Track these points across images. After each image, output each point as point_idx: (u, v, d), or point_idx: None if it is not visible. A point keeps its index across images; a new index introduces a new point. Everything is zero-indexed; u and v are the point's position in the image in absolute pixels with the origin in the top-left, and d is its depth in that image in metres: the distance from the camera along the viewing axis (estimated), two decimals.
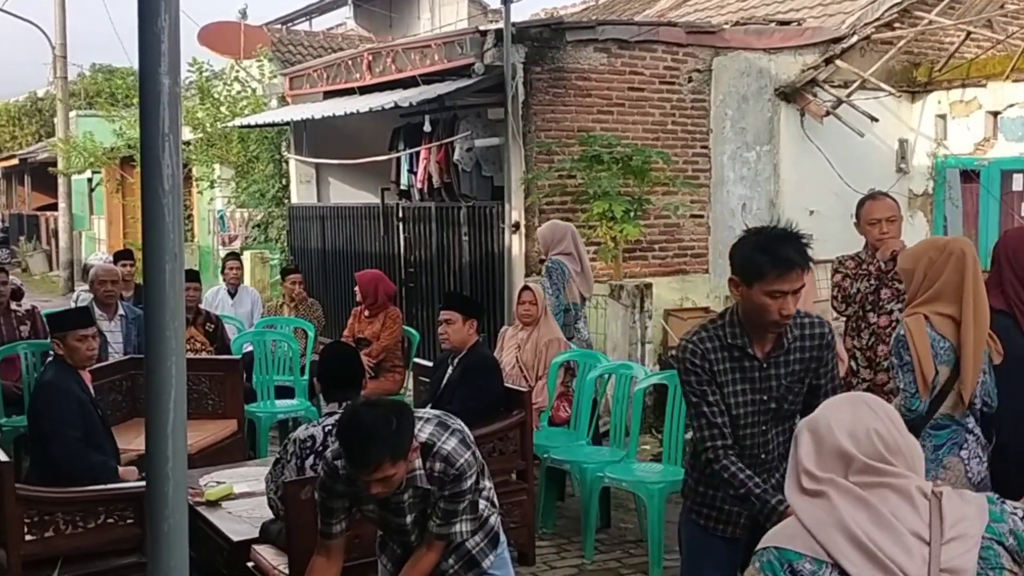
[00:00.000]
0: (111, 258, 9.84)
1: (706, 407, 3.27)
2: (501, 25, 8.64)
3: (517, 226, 8.71)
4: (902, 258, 4.14)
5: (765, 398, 3.28)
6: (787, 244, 3.13)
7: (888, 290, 5.01)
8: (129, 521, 4.45)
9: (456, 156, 9.90)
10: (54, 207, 24.01)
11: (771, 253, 3.11)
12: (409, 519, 3.43)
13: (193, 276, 7.93)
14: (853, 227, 5.33)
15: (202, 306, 8.15)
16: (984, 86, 9.69)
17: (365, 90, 10.91)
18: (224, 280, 9.11)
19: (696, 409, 3.31)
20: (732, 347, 3.25)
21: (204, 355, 7.46)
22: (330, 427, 4.22)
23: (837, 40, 9.70)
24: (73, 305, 8.23)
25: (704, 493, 3.45)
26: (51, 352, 7.11)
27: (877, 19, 9.83)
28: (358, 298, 7.75)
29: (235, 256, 9.53)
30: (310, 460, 4.14)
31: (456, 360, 5.56)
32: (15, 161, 30.87)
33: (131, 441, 5.45)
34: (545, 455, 5.86)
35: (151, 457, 1.93)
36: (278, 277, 13.67)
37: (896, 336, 3.88)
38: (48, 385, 4.99)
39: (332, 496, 3.39)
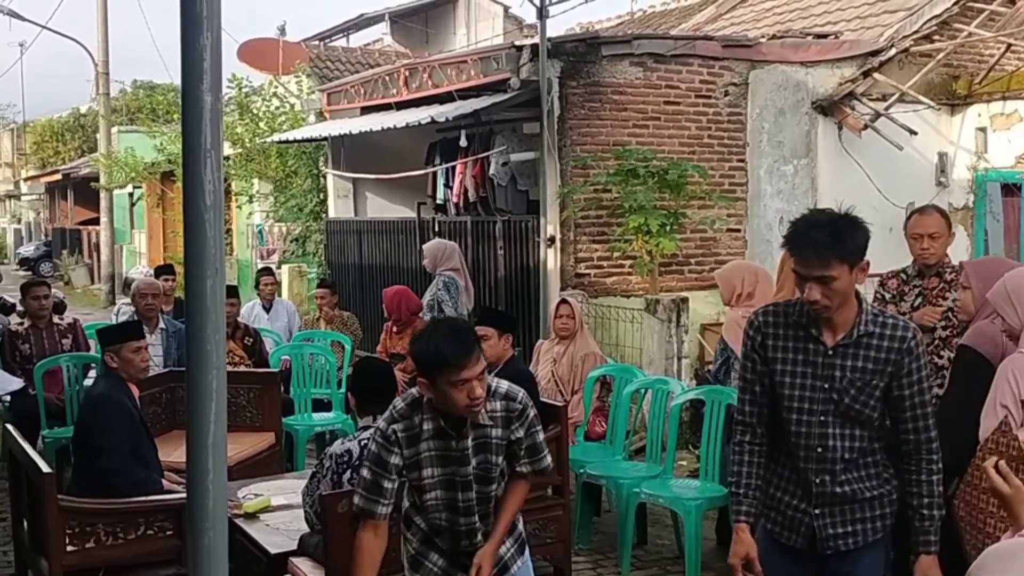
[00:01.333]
0: (152, 272, 9.96)
1: (745, 382, 3.28)
2: (537, 40, 8.67)
3: (552, 240, 8.71)
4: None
5: (827, 387, 3.14)
6: (810, 231, 3.08)
7: (932, 307, 4.89)
8: (169, 533, 4.49)
9: (492, 170, 9.93)
10: (96, 221, 24.37)
11: (788, 239, 3.14)
12: (471, 468, 3.34)
13: (232, 292, 8.00)
14: (891, 242, 5.29)
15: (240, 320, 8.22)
16: None
17: (402, 105, 10.98)
18: (259, 296, 9.19)
19: (740, 382, 3.34)
20: (798, 326, 3.18)
21: (243, 368, 7.53)
22: (366, 441, 4.24)
23: (875, 53, 9.64)
24: (115, 319, 8.35)
25: (771, 495, 3.35)
26: (93, 365, 7.27)
27: (916, 32, 9.76)
28: (385, 314, 7.77)
29: (269, 271, 9.59)
30: (347, 475, 4.16)
31: (492, 374, 5.56)
32: (58, 176, 31.38)
33: (170, 453, 5.50)
34: (581, 470, 5.84)
35: (192, 469, 1.95)
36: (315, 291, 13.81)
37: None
38: (99, 397, 5.04)
39: (385, 471, 3.28)
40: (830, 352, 3.14)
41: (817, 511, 3.22)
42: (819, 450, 3.19)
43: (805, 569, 3.31)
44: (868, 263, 3.11)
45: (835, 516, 3.21)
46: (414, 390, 3.35)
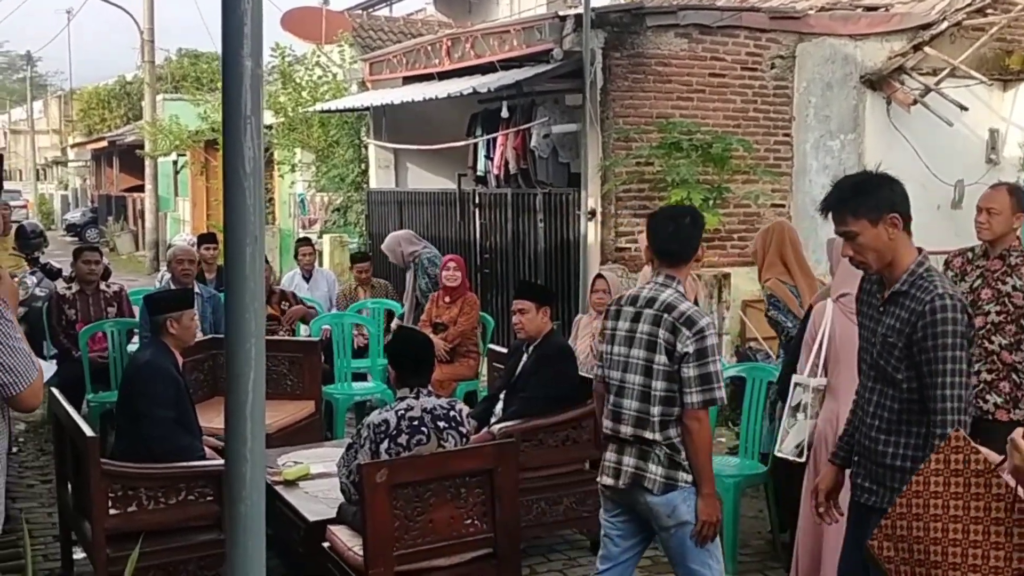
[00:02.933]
0: (195, 240, 10.05)
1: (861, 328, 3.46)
2: (580, 10, 8.57)
3: (593, 213, 8.66)
4: None
5: (873, 340, 3.28)
6: (835, 190, 3.28)
7: (990, 290, 4.58)
8: (209, 498, 4.54)
9: (533, 142, 9.88)
10: (141, 188, 24.64)
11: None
12: None
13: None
14: (938, 219, 5.16)
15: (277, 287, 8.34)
16: None
17: (444, 76, 10.94)
18: (299, 265, 9.25)
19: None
20: (880, 280, 3.31)
21: (282, 335, 7.59)
22: (403, 411, 4.26)
23: (926, 26, 9.43)
24: (158, 285, 8.44)
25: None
26: (136, 330, 7.36)
27: (968, 4, 9.53)
28: (440, 281, 7.77)
29: (307, 241, 9.64)
30: (385, 444, 4.18)
31: (531, 348, 5.56)
32: (104, 143, 31.74)
33: (211, 420, 5.55)
34: None
35: (230, 438, 1.96)
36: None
37: None
38: (147, 365, 5.08)
39: None
40: (880, 308, 3.26)
41: (856, 458, 3.38)
42: (860, 400, 3.37)
43: (856, 514, 3.39)
44: (896, 217, 3.15)
45: (861, 467, 3.33)
46: None
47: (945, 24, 9.38)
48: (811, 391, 4.27)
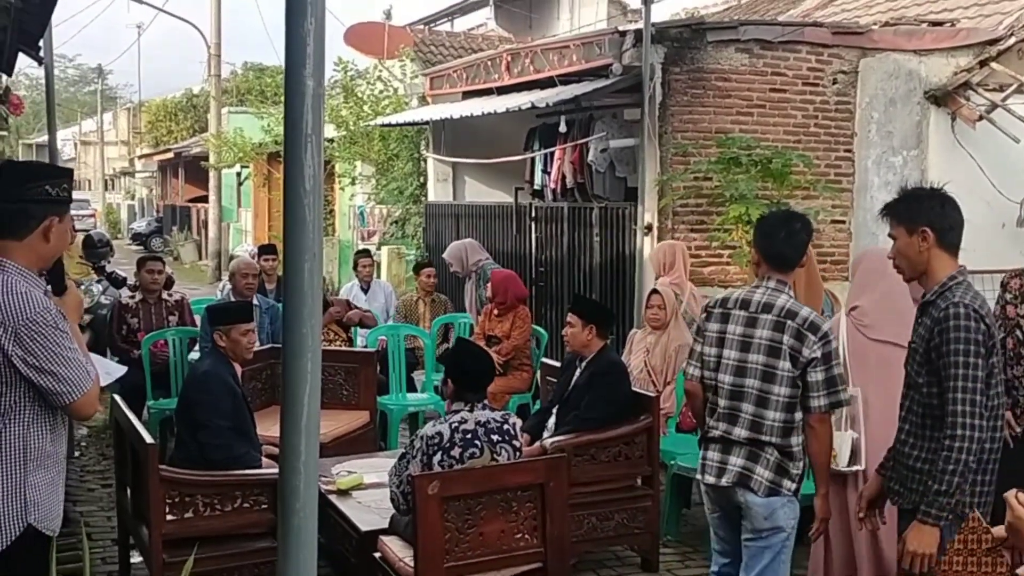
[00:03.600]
0: (256, 250, 10.22)
1: None
2: (640, 25, 8.56)
3: (649, 228, 8.62)
4: None
5: (910, 349, 3.48)
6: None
7: None
8: (264, 506, 4.60)
9: (590, 157, 9.87)
10: (205, 199, 25.08)
11: None
12: None
13: None
14: (1004, 237, 5.06)
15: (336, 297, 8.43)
16: None
17: (503, 90, 11.00)
18: (357, 276, 9.34)
19: None
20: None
21: (339, 344, 7.68)
22: (456, 424, 4.27)
23: (993, 42, 9.26)
24: (219, 295, 8.59)
25: None
26: (198, 340, 7.49)
27: None
28: (488, 295, 7.81)
29: (367, 253, 9.76)
30: (438, 456, 4.20)
31: (583, 363, 5.56)
32: (170, 155, 32.39)
33: (269, 428, 5.64)
34: (672, 461, 5.79)
35: (284, 452, 1.99)
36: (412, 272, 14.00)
37: None
38: (205, 375, 5.19)
39: None
40: (916, 319, 3.47)
41: (891, 462, 3.58)
42: (899, 407, 3.53)
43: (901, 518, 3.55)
44: (928, 231, 3.33)
45: (892, 470, 3.53)
46: None
47: (1012, 39, 9.20)
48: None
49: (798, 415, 3.71)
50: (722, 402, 3.84)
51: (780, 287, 3.81)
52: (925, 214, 3.34)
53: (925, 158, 9.24)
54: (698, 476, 3.99)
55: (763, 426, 3.72)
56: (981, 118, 8.88)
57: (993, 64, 9.11)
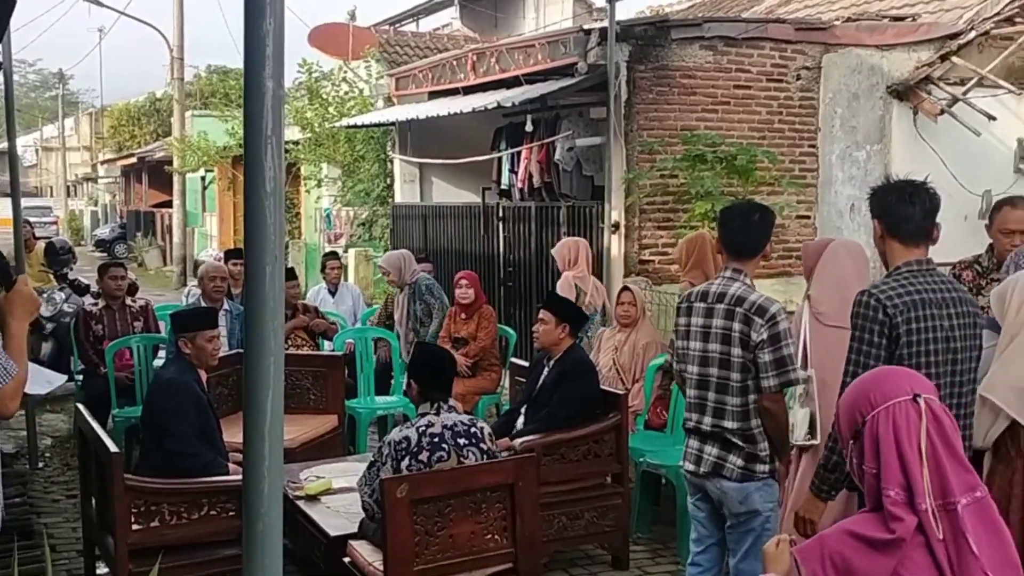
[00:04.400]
0: (222, 255, 10.13)
1: None
2: (605, 24, 8.58)
3: (617, 226, 8.64)
4: None
5: None
6: None
7: None
8: (231, 513, 4.55)
9: (557, 156, 9.88)
10: (169, 204, 24.84)
11: None
12: None
13: (291, 274, 8.11)
14: (966, 230, 5.11)
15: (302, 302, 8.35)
16: None
17: (469, 90, 10.98)
18: (325, 279, 9.28)
19: None
20: None
21: (306, 350, 7.62)
22: (423, 428, 4.25)
23: (954, 36, 9.36)
24: (185, 300, 8.50)
25: None
26: (162, 346, 7.41)
27: (996, 14, 9.45)
28: (459, 296, 7.74)
29: (334, 256, 9.69)
30: (406, 462, 4.18)
31: (552, 362, 5.55)
32: (134, 159, 32.05)
33: (235, 435, 5.55)
34: (641, 459, 5.80)
35: (248, 457, 1.96)
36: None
37: None
38: (169, 382, 5.13)
39: None
40: None
41: None
42: None
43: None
44: (876, 224, 3.51)
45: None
46: None
47: (973, 34, 9.30)
48: (802, 383, 4.41)
49: (752, 396, 3.82)
50: (691, 392, 3.99)
51: (735, 275, 3.93)
52: (877, 207, 3.50)
53: (888, 152, 9.33)
54: (681, 463, 4.13)
55: (725, 412, 3.86)
56: (943, 112, 8.97)
57: (954, 58, 9.21)
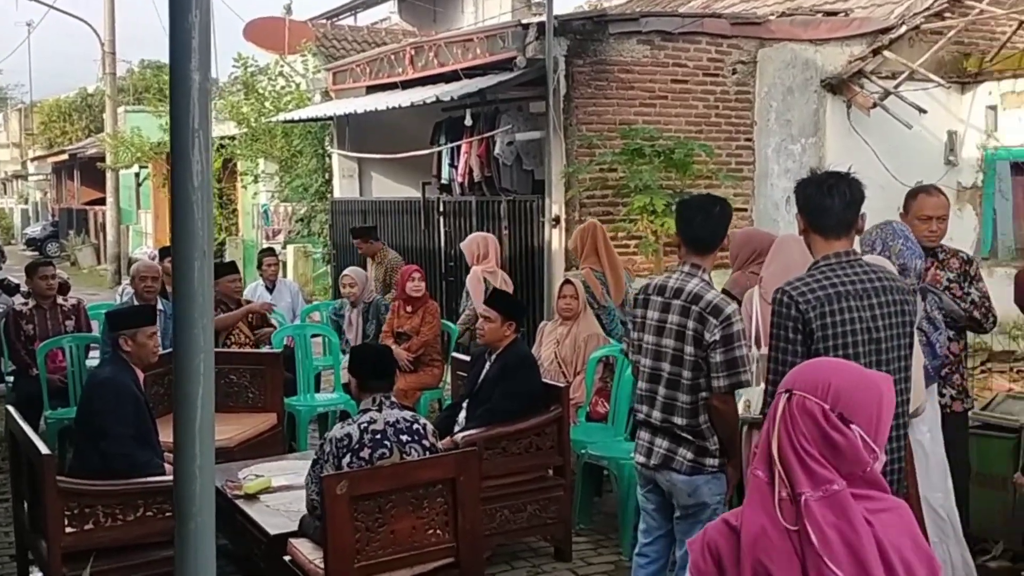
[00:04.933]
0: (156, 253, 9.96)
1: None
2: (543, 18, 8.58)
3: (557, 220, 8.66)
4: None
5: None
6: None
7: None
8: (167, 514, 4.48)
9: (497, 150, 9.87)
10: (102, 201, 24.39)
11: None
12: None
13: (232, 269, 7.99)
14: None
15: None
16: None
17: (407, 84, 10.91)
18: (262, 276, 9.17)
19: None
20: None
21: (248, 348, 7.51)
22: (365, 424, 4.22)
23: (885, 30, 9.54)
24: (119, 299, 8.34)
25: None
26: (95, 346, 7.27)
27: (927, 9, 9.65)
28: (399, 290, 7.69)
29: (271, 252, 9.56)
30: (347, 459, 4.15)
31: (494, 356, 5.54)
32: (65, 156, 31.41)
33: (171, 435, 5.48)
34: (583, 451, 5.82)
35: (179, 456, 1.93)
36: (323, 269, 13.81)
37: None
38: (106, 382, 5.02)
39: None
40: None
41: None
42: None
43: None
44: (798, 217, 3.55)
45: None
46: None
47: (904, 28, 9.49)
48: (755, 362, 4.51)
49: (703, 394, 3.85)
50: (643, 384, 4.02)
51: (694, 271, 3.94)
52: (800, 200, 3.53)
53: (823, 145, 9.48)
54: (632, 455, 4.16)
55: (675, 408, 3.89)
56: (875, 105, 9.13)
57: (886, 52, 9.39)
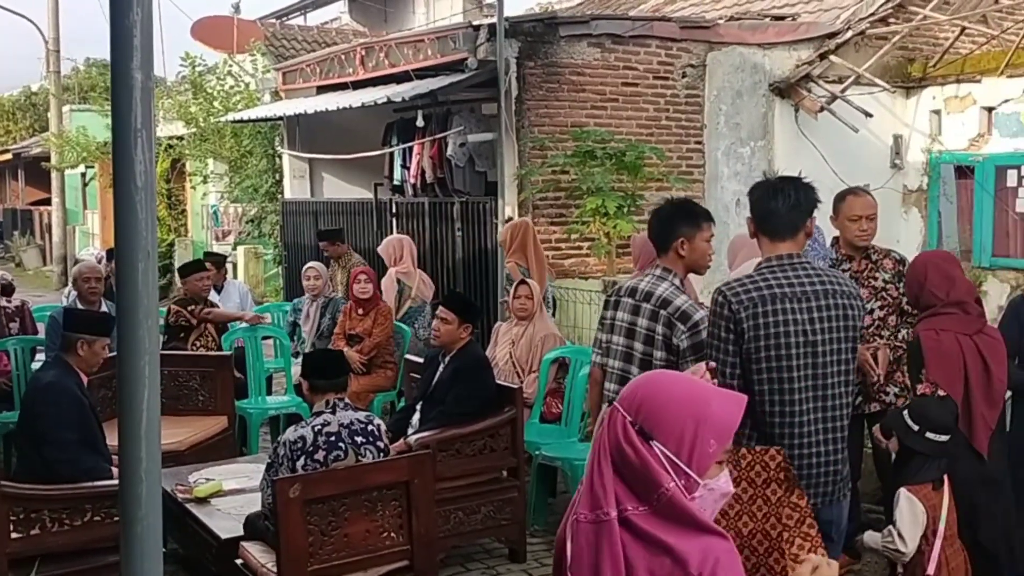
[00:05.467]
0: (103, 254, 9.79)
1: None
2: (494, 20, 8.59)
3: (510, 221, 8.67)
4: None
5: None
6: None
7: (866, 290, 4.76)
8: (116, 519, 4.41)
9: (449, 151, 9.85)
10: (48, 202, 23.94)
11: None
12: None
13: (201, 266, 7.86)
14: None
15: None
16: (979, 82, 9.68)
17: (358, 85, 10.86)
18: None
19: None
20: None
21: (212, 347, 7.42)
22: (319, 427, 4.20)
23: (832, 35, 9.68)
24: (65, 301, 8.20)
25: None
26: (40, 348, 7.13)
27: (872, 14, 9.81)
28: (356, 291, 7.65)
29: (213, 256, 9.38)
30: (301, 461, 4.12)
31: (448, 358, 5.54)
32: (8, 156, 30.76)
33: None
34: (536, 452, 5.84)
35: (124, 459, 1.90)
36: (274, 271, 13.68)
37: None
38: (49, 386, 4.91)
39: None
40: None
41: None
42: None
43: None
44: (749, 220, 3.60)
45: None
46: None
47: (850, 33, 9.64)
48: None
49: None
50: (611, 386, 4.00)
51: (665, 275, 3.92)
52: (751, 204, 3.59)
53: (772, 148, 9.59)
54: None
55: None
56: (822, 109, 9.27)
57: (832, 57, 9.53)
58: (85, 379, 5.13)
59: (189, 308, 7.37)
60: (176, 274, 15.82)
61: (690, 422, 1.74)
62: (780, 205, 3.46)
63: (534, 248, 7.33)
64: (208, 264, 8.95)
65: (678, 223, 3.96)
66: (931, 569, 3.71)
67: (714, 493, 1.80)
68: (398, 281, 7.82)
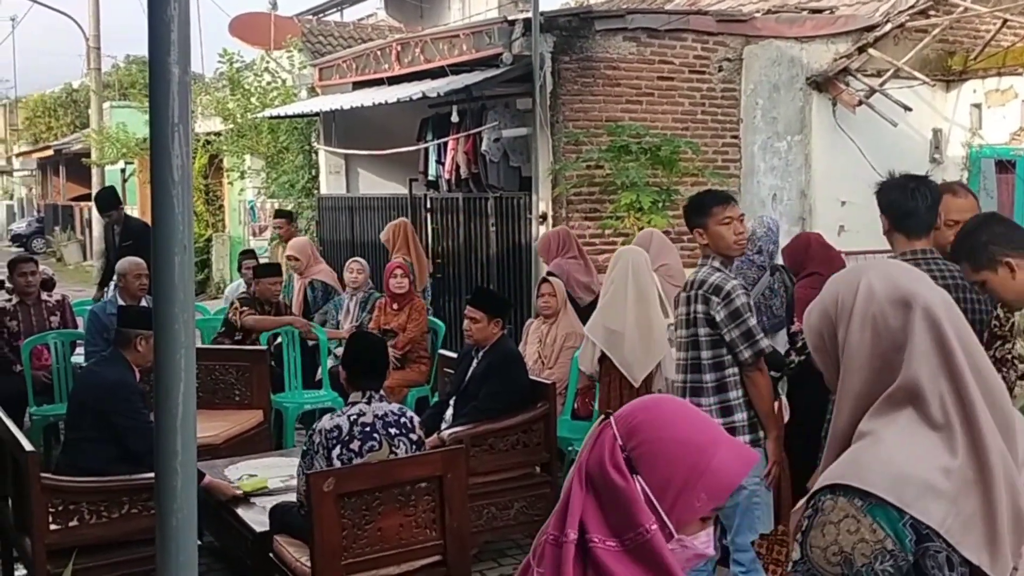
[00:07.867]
0: None
1: None
2: (530, 15, 8.58)
3: (544, 217, 8.66)
4: None
5: None
6: None
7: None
8: (152, 511, 4.44)
9: (484, 146, 9.85)
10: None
11: None
12: None
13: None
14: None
15: (223, 301, 8.24)
16: (1020, 75, 9.52)
17: (394, 80, 10.88)
18: (243, 277, 9.14)
19: None
20: None
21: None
22: (355, 416, 4.21)
23: (870, 28, 9.56)
24: (107, 295, 8.29)
25: None
26: (80, 342, 7.22)
27: (911, 7, 9.68)
28: (388, 288, 7.69)
29: (251, 254, 9.56)
30: (337, 450, 4.14)
31: (481, 353, 5.54)
32: (50, 152, 31.21)
33: None
34: (570, 448, 5.82)
35: (160, 452, 1.92)
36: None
37: None
38: (118, 385, 4.93)
39: None
40: None
41: None
42: None
43: None
44: (883, 220, 3.71)
45: None
46: None
47: (889, 26, 9.51)
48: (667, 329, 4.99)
49: (729, 371, 4.05)
50: (678, 376, 4.27)
51: (704, 261, 4.20)
52: (883, 202, 3.72)
53: (808, 142, 9.49)
54: None
55: (702, 390, 4.08)
56: (860, 103, 9.15)
57: (871, 50, 9.41)
58: (138, 374, 5.16)
59: (255, 309, 7.49)
60: (212, 268, 15.91)
61: (684, 468, 1.53)
62: (920, 205, 3.57)
63: (414, 244, 8.41)
64: (248, 260, 9.10)
65: (691, 216, 4.25)
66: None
67: (687, 552, 1.57)
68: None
